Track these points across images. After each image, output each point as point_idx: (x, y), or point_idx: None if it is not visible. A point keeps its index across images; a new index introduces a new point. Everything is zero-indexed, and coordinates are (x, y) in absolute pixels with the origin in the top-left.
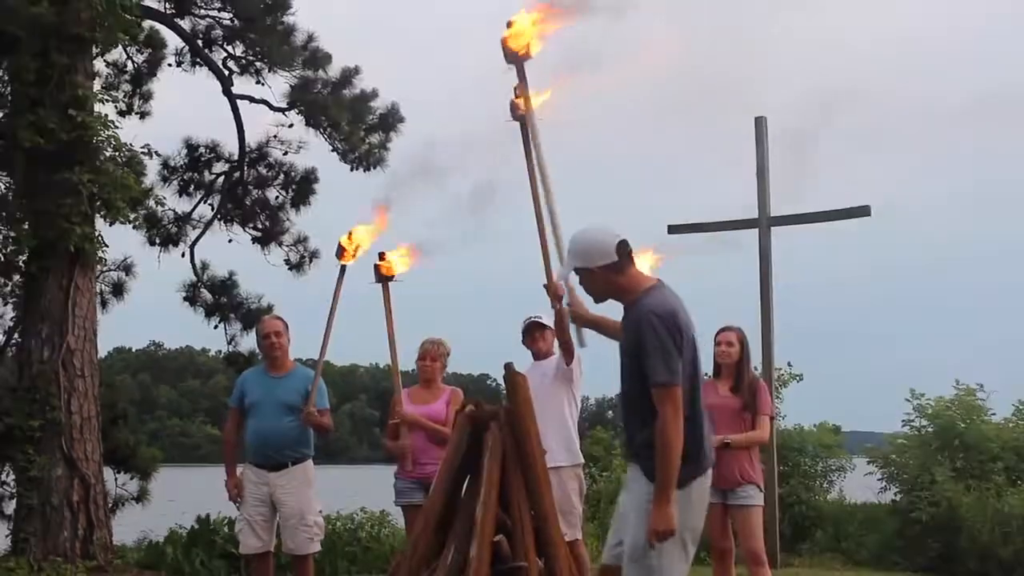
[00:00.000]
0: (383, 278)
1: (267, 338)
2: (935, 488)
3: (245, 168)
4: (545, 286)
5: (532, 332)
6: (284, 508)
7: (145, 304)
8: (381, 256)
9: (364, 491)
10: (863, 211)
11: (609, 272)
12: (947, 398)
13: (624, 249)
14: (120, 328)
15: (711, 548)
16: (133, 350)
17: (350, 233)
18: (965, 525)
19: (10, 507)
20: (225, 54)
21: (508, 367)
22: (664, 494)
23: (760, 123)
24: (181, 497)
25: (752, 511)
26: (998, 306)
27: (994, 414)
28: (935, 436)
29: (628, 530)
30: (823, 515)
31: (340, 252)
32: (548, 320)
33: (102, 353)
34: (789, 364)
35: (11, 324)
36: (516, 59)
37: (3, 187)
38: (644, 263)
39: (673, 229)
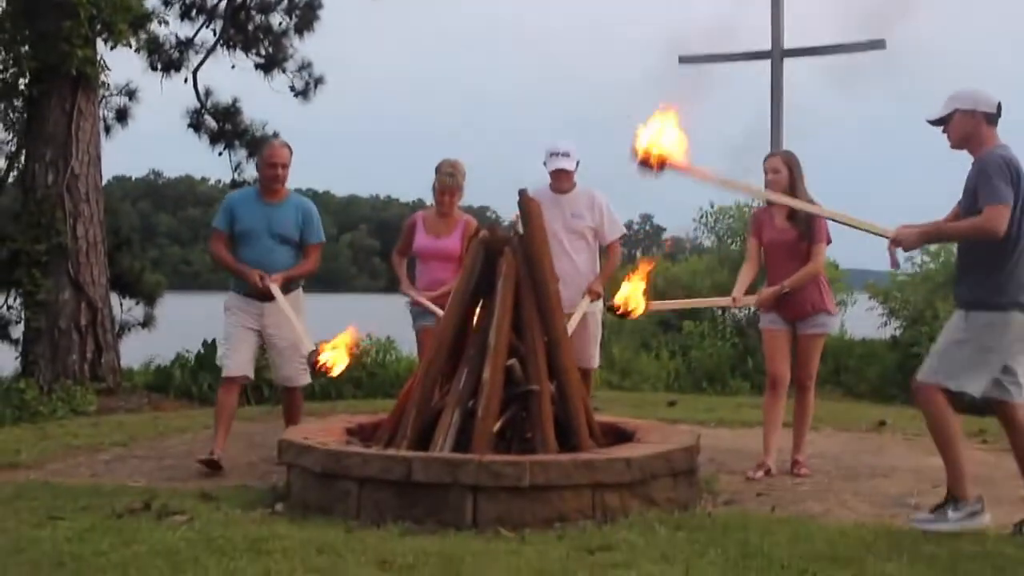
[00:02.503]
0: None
1: (272, 167)
2: (936, 324)
3: None
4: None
5: (559, 176)
6: (278, 340)
7: (144, 132)
8: None
9: (364, 319)
10: (878, 44)
11: (981, 121)
12: None
13: (999, 111)
14: (118, 156)
15: (767, 374)
16: (133, 179)
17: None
18: None
19: (17, 331)
20: None
21: (522, 193)
22: (933, 231)
23: None
24: (184, 323)
25: (819, 339)
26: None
27: None
28: (939, 272)
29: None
30: (823, 348)
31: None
32: (572, 161)
33: (103, 180)
34: None
35: (13, 150)
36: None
37: (2, 8)
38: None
39: (685, 60)
